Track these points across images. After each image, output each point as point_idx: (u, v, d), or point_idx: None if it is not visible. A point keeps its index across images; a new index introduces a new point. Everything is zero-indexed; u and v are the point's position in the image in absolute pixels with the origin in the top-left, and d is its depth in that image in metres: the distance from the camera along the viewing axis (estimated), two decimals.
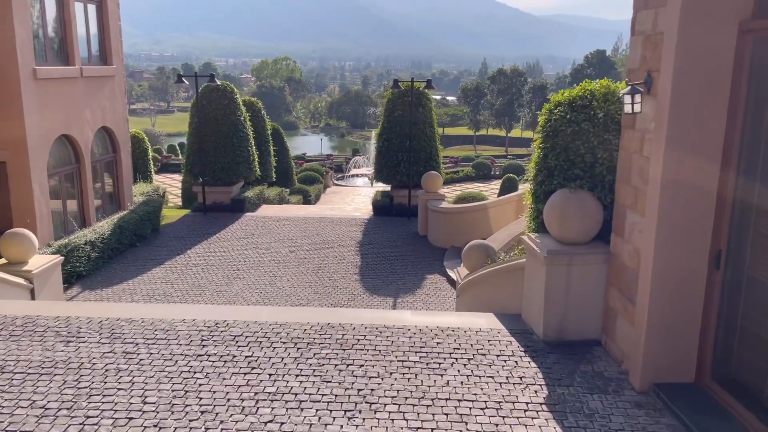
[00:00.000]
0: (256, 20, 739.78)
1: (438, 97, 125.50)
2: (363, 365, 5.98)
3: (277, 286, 13.07)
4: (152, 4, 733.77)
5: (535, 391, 5.56)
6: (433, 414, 5.17)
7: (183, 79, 18.21)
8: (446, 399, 5.40)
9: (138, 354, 6.22)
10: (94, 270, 13.67)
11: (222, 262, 14.60)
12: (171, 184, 35.91)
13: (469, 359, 6.14)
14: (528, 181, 7.67)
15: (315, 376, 5.77)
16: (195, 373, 5.82)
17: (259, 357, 6.13)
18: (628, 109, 5.55)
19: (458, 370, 5.91)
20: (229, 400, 5.33)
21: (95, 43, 15.06)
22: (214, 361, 6.05)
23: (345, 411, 5.18)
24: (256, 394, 5.43)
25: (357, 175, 43.44)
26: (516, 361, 6.13)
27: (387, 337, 6.61)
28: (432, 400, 5.38)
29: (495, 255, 10.04)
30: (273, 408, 5.20)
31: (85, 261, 13.21)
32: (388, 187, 20.93)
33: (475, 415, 5.16)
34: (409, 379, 5.74)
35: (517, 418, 5.15)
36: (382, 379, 5.72)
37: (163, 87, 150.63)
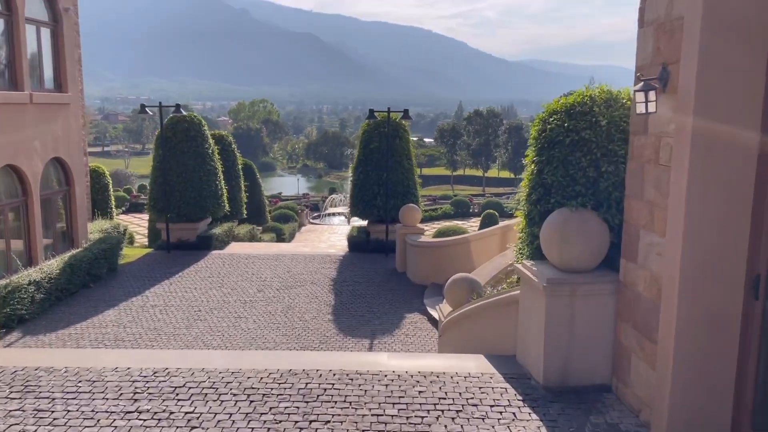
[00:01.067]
0: (234, 65, 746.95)
1: (415, 138, 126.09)
2: (329, 421, 4.90)
3: (242, 328, 11.89)
4: (131, 48, 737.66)
5: None
6: None
7: (147, 109, 17.25)
8: None
9: (52, 412, 5.06)
10: (39, 313, 12.34)
11: (182, 303, 13.38)
12: (138, 224, 34.54)
13: (458, 411, 5.09)
14: (519, 203, 6.77)
15: None
16: None
17: (201, 414, 5.02)
18: (641, 109, 4.71)
19: (445, 426, 4.86)
20: None
21: (49, 69, 14.06)
22: (145, 420, 4.91)
23: None
24: None
25: (334, 214, 42.44)
26: (514, 413, 5.10)
27: (359, 385, 5.54)
28: None
29: (481, 289, 9.08)
30: None
31: (29, 303, 11.90)
32: (364, 223, 19.98)
33: None
34: None
35: None
36: None
37: (138, 129, 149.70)
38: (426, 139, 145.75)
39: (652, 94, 4.63)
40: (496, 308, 6.74)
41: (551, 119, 5.90)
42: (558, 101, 6.10)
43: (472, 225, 35.25)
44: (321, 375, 5.74)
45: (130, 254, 18.25)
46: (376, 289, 14.60)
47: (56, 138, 14.01)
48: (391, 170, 17.79)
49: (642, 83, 4.67)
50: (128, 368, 5.91)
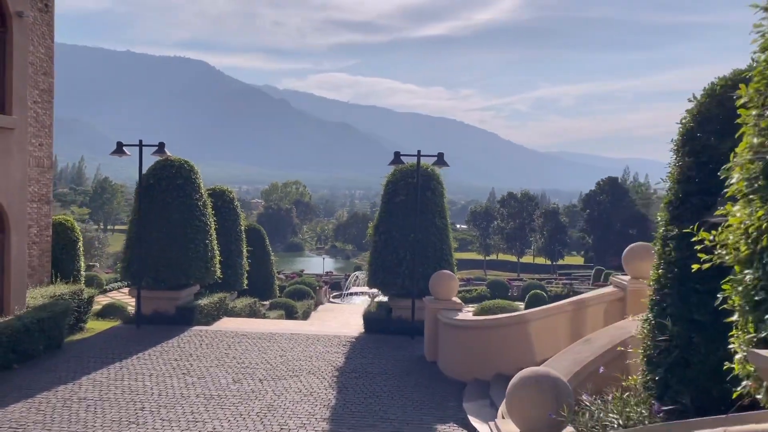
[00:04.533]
0: (272, 151, 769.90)
1: None
2: None
3: None
4: (172, 133, 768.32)
5: None
6: None
7: (124, 149, 14.13)
8: None
9: None
10: None
11: (123, 397, 9.55)
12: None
13: None
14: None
15: None
16: None
17: None
18: None
19: None
20: None
21: None
22: None
23: None
24: None
25: (357, 294, 38.53)
26: None
27: None
28: None
29: (570, 398, 5.16)
30: None
31: None
32: (385, 298, 16.15)
33: None
34: None
35: None
36: None
37: None
38: (458, 225, 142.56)
39: None
40: None
41: None
42: None
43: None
44: None
45: (96, 328, 14.69)
46: (396, 384, 10.57)
47: None
48: (420, 230, 14.14)
49: None
50: None
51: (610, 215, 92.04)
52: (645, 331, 5.08)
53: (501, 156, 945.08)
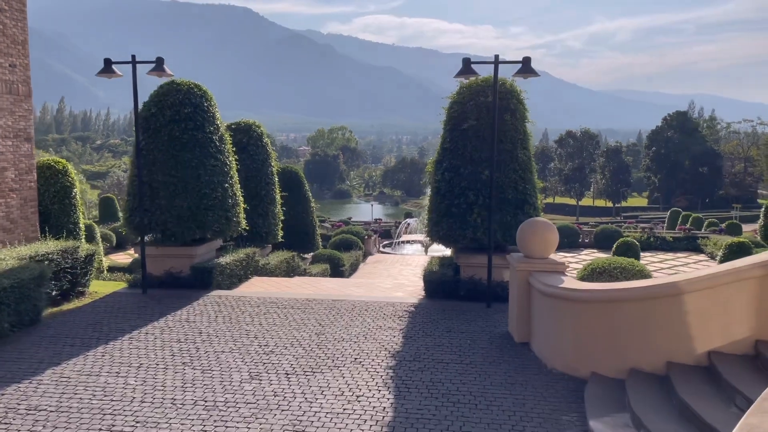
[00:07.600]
0: (318, 98, 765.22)
1: None
2: None
3: None
4: (219, 84, 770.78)
5: None
6: None
7: (114, 68, 10.98)
8: None
9: None
10: None
11: (91, 404, 6.72)
12: None
13: None
14: None
15: None
16: None
17: None
18: None
19: None
20: None
21: None
22: None
23: None
24: None
25: (408, 242, 35.50)
26: None
27: None
28: None
29: None
30: None
31: None
32: (449, 251, 12.91)
33: None
34: None
35: None
36: None
37: None
38: None
39: None
40: None
41: None
42: None
43: (585, 259, 27.27)
44: None
45: (99, 291, 12.06)
46: (478, 380, 7.39)
47: None
48: (497, 165, 10.67)
49: None
50: None
51: (678, 152, 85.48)
52: None
53: (552, 95, 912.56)
